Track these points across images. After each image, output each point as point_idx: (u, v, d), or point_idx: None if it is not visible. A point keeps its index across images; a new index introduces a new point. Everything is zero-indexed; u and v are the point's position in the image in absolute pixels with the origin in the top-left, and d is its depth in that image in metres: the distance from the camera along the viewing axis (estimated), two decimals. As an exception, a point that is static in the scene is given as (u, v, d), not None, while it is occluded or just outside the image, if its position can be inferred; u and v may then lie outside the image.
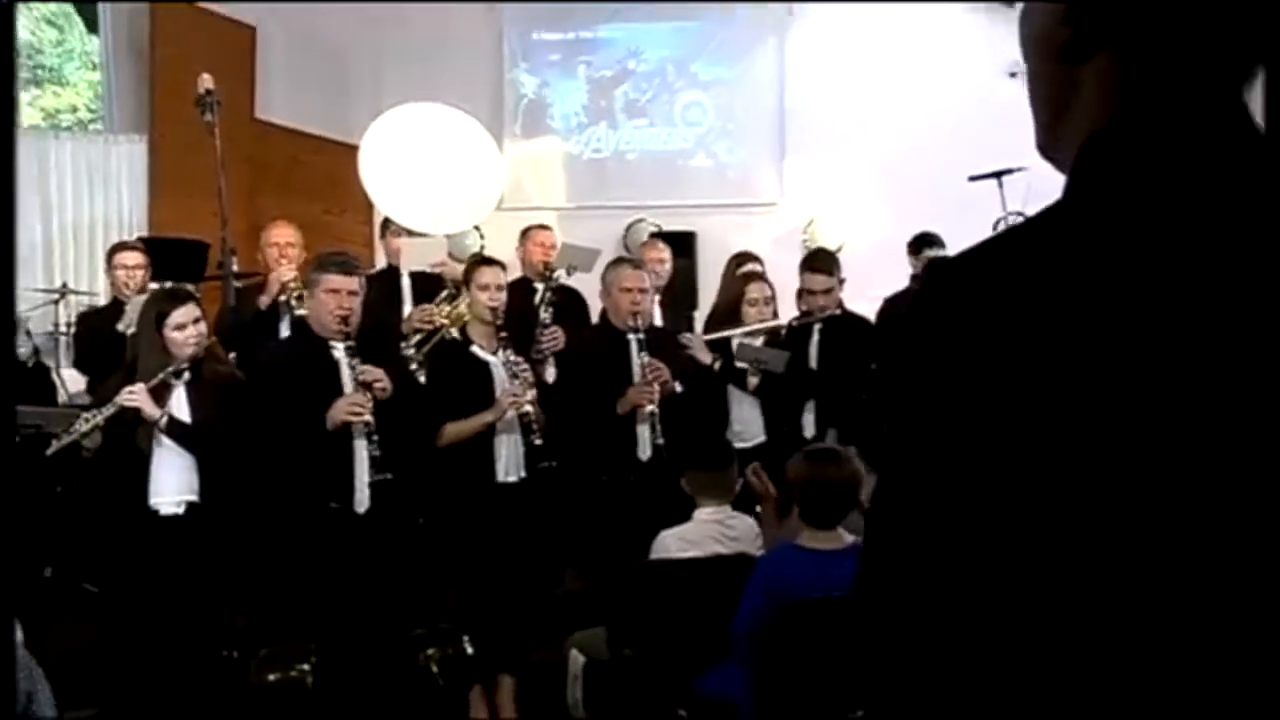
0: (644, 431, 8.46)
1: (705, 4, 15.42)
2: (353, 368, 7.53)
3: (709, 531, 7.04)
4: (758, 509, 7.39)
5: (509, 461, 8.12)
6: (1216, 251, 1.44)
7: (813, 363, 9.48)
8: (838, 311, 9.67)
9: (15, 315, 7.39)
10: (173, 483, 7.48)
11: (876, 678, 1.62)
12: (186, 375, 7.50)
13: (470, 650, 7.19)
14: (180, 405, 7.48)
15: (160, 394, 7.39)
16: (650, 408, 8.40)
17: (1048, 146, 1.71)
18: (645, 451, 8.45)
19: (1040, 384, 1.43)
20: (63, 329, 11.97)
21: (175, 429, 7.40)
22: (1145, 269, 1.43)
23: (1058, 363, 1.43)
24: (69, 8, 14.99)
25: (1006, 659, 1.51)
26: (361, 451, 7.51)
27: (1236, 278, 1.43)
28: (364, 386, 7.51)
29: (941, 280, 1.59)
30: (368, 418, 7.42)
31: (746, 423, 9.40)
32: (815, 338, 9.54)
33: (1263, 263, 1.44)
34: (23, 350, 8.58)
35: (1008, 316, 1.47)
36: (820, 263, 9.89)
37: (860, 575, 1.64)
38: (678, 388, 8.60)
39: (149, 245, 10.54)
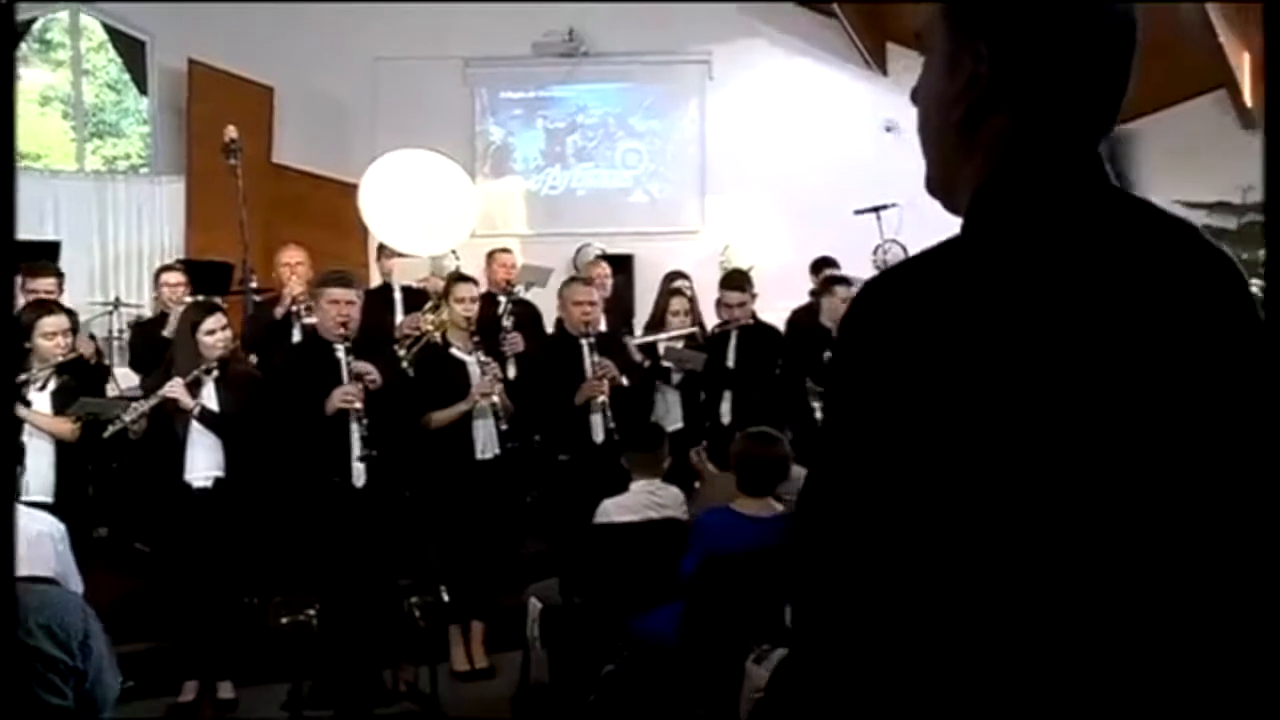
0: (596, 419, 8.46)
1: (640, 66, 15.47)
2: (349, 364, 7.56)
3: (643, 500, 7.09)
4: (696, 484, 7.45)
5: (485, 442, 8.10)
6: (1082, 272, 1.54)
7: (730, 362, 9.46)
8: (751, 321, 9.66)
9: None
10: (203, 461, 7.47)
11: (803, 621, 1.65)
12: (215, 372, 7.48)
13: (447, 598, 7.21)
14: (210, 397, 7.46)
15: (194, 388, 7.39)
16: (601, 399, 8.43)
17: (942, 188, 1.76)
18: (599, 435, 8.44)
19: (944, 373, 1.49)
20: (116, 335, 12.05)
21: (206, 417, 7.40)
22: (1030, 288, 1.52)
23: (960, 359, 1.50)
24: (126, 76, 15.27)
25: (913, 613, 1.54)
26: (354, 434, 7.53)
27: (1097, 292, 1.53)
28: (357, 378, 7.53)
29: (873, 292, 1.62)
30: (358, 404, 7.46)
31: (669, 411, 9.43)
32: (733, 342, 9.50)
33: (1115, 281, 1.54)
34: (84, 351, 8.51)
35: (925, 323, 1.52)
36: (736, 281, 9.93)
37: (792, 538, 1.67)
38: (624, 381, 8.59)
39: (187, 266, 10.53)
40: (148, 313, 11.58)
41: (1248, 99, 12.65)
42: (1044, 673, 1.51)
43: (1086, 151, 1.65)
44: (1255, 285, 1.78)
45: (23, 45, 14.76)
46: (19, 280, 9.56)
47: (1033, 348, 1.50)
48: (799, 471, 6.74)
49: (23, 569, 4.56)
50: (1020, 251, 1.56)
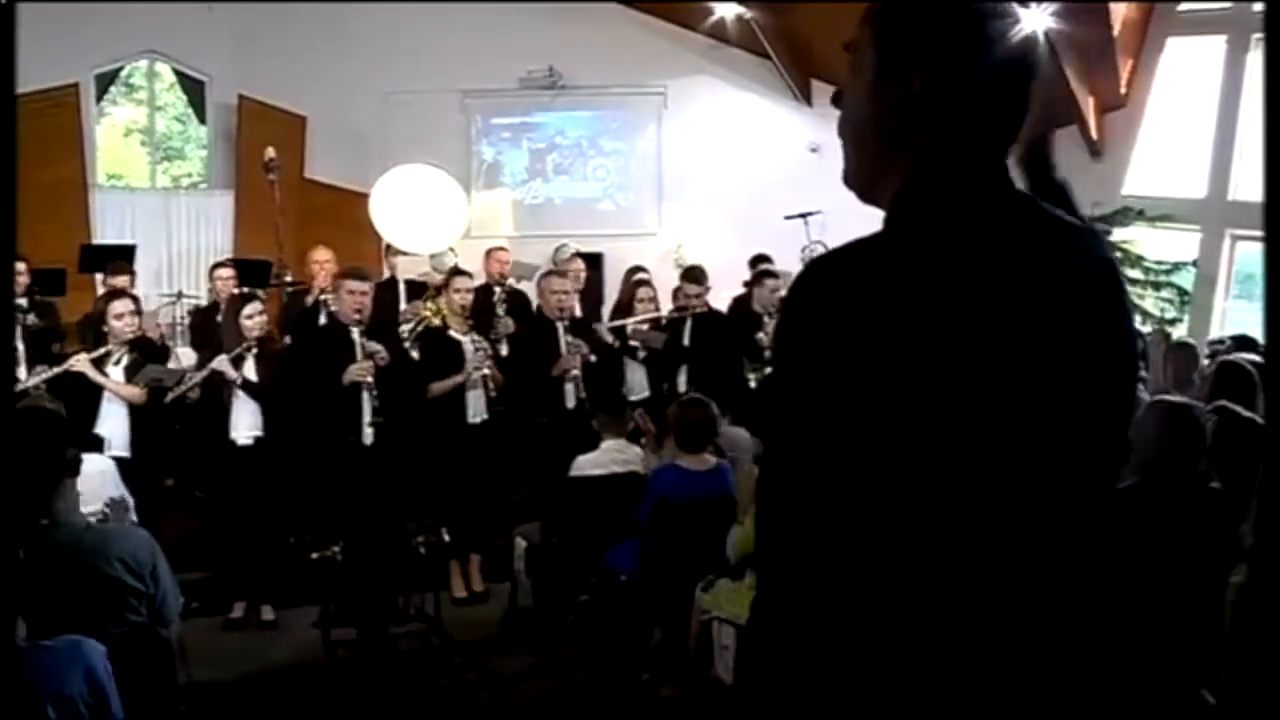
0: (569, 388, 8.42)
1: (608, 97, 15.51)
2: (362, 344, 7.59)
3: (610, 456, 7.13)
4: (642, 441, 7.43)
5: (476, 408, 8.12)
6: (986, 261, 1.55)
7: (686, 342, 9.50)
8: (705, 308, 9.72)
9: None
10: (245, 422, 7.55)
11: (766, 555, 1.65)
12: (254, 350, 7.55)
13: (447, 538, 7.26)
14: (250, 370, 7.52)
15: (238, 362, 7.46)
16: (574, 372, 8.39)
17: (863, 183, 1.75)
18: (570, 403, 8.41)
19: (870, 340, 1.50)
20: (179, 321, 12.17)
21: (247, 386, 7.48)
22: (942, 274, 1.52)
23: (883, 329, 1.50)
24: (190, 110, 15.67)
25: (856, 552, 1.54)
26: (366, 402, 7.57)
27: (998, 277, 1.54)
28: (369, 356, 7.56)
29: (813, 273, 1.62)
30: (370, 378, 7.49)
31: (636, 382, 9.45)
32: (688, 325, 9.54)
33: (1013, 268, 1.56)
34: (153, 332, 8.61)
35: (854, 299, 1.52)
36: (695, 275, 9.96)
37: (759, 494, 1.66)
38: (593, 358, 8.55)
39: (236, 263, 10.62)
40: (204, 302, 11.57)
41: (1093, 133, 12.74)
42: (962, 595, 1.54)
43: (994, 161, 1.66)
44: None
45: (111, 89, 15.20)
46: (100, 276, 10.15)
47: (943, 320, 1.50)
48: (729, 429, 6.96)
49: (94, 502, 5.10)
50: (934, 243, 1.57)
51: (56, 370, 7.16)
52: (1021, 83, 1.68)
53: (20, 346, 7.88)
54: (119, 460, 6.62)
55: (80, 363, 7.17)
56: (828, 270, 1.60)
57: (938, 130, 1.64)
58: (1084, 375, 1.58)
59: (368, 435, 7.53)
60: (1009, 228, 1.61)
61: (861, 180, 1.74)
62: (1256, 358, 6.53)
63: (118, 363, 7.36)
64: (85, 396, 7.04)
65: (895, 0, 1.71)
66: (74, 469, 4.20)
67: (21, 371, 7.54)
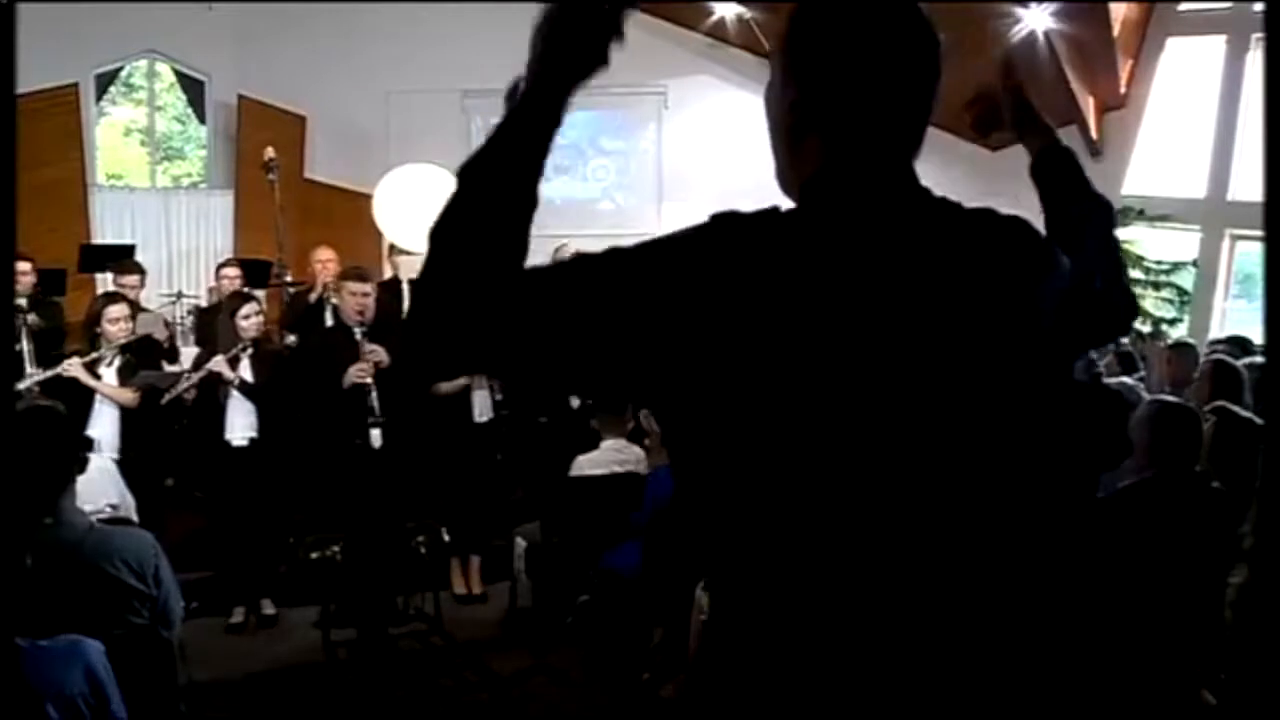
0: (578, 388, 8.39)
1: (608, 97, 15.46)
2: (361, 345, 7.51)
3: (610, 457, 7.15)
4: (645, 442, 7.43)
5: (482, 407, 8.11)
6: (879, 249, 1.59)
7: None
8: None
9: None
10: (241, 423, 7.52)
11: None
12: (250, 350, 7.53)
13: (447, 537, 7.32)
14: (246, 370, 7.50)
15: (234, 363, 7.43)
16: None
17: (781, 185, 1.80)
18: (575, 401, 8.37)
19: (767, 308, 1.54)
20: (179, 320, 12.13)
21: (243, 386, 7.45)
22: (835, 256, 1.58)
23: (779, 296, 1.55)
24: (190, 110, 15.78)
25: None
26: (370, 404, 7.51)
27: (890, 265, 1.58)
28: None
29: (717, 229, 1.73)
30: (368, 380, 7.36)
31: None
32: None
33: (907, 260, 1.59)
34: (159, 334, 8.51)
35: (758, 271, 1.59)
36: None
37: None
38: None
39: (241, 263, 10.59)
40: (203, 303, 11.63)
41: (1093, 132, 12.77)
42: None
43: (891, 161, 1.68)
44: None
45: (111, 89, 15.36)
46: (109, 275, 10.07)
47: (836, 300, 1.54)
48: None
49: (99, 499, 5.40)
50: (829, 231, 1.62)
51: (49, 373, 7.12)
52: (909, 84, 1.69)
53: (26, 347, 7.83)
54: (111, 462, 6.60)
55: (74, 367, 7.12)
56: (722, 230, 1.71)
57: (824, 136, 1.69)
58: (968, 360, 1.59)
59: (375, 438, 7.37)
60: (901, 225, 1.63)
61: (779, 181, 1.81)
62: (1252, 358, 6.58)
63: (110, 365, 7.35)
64: (77, 398, 6.98)
65: (801, 6, 1.74)
66: (81, 467, 4.20)
67: (27, 369, 7.51)
